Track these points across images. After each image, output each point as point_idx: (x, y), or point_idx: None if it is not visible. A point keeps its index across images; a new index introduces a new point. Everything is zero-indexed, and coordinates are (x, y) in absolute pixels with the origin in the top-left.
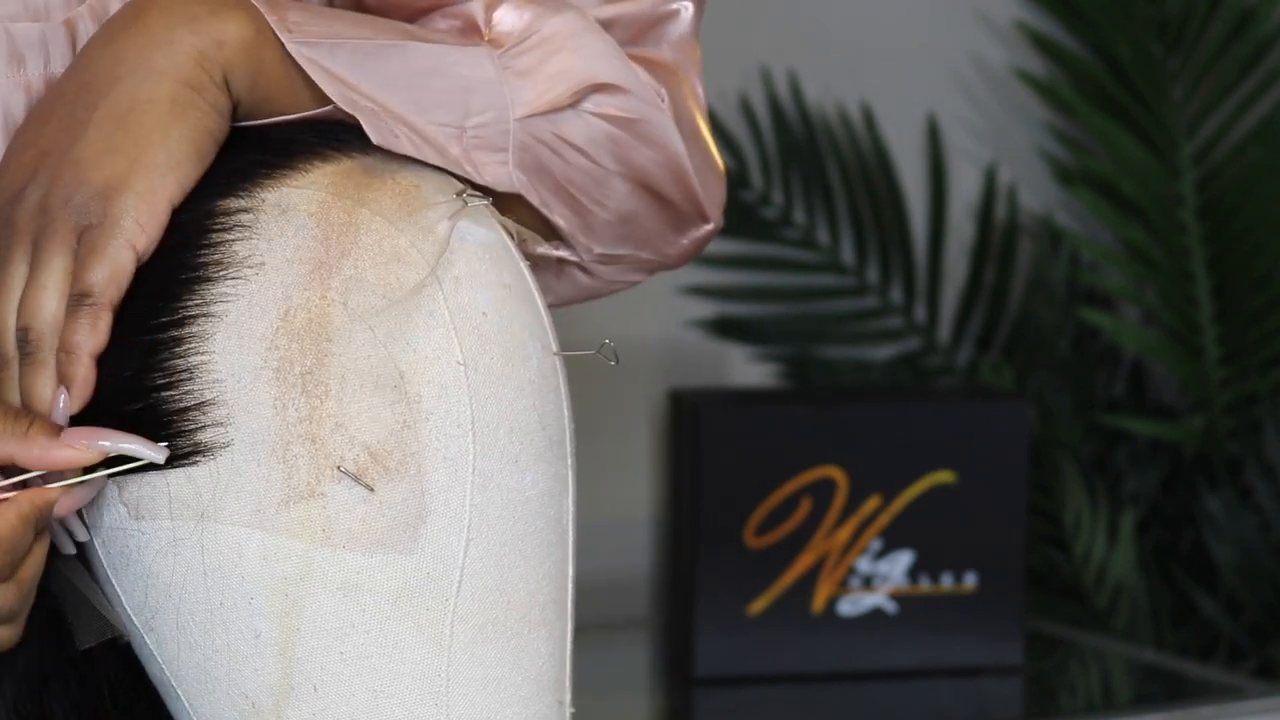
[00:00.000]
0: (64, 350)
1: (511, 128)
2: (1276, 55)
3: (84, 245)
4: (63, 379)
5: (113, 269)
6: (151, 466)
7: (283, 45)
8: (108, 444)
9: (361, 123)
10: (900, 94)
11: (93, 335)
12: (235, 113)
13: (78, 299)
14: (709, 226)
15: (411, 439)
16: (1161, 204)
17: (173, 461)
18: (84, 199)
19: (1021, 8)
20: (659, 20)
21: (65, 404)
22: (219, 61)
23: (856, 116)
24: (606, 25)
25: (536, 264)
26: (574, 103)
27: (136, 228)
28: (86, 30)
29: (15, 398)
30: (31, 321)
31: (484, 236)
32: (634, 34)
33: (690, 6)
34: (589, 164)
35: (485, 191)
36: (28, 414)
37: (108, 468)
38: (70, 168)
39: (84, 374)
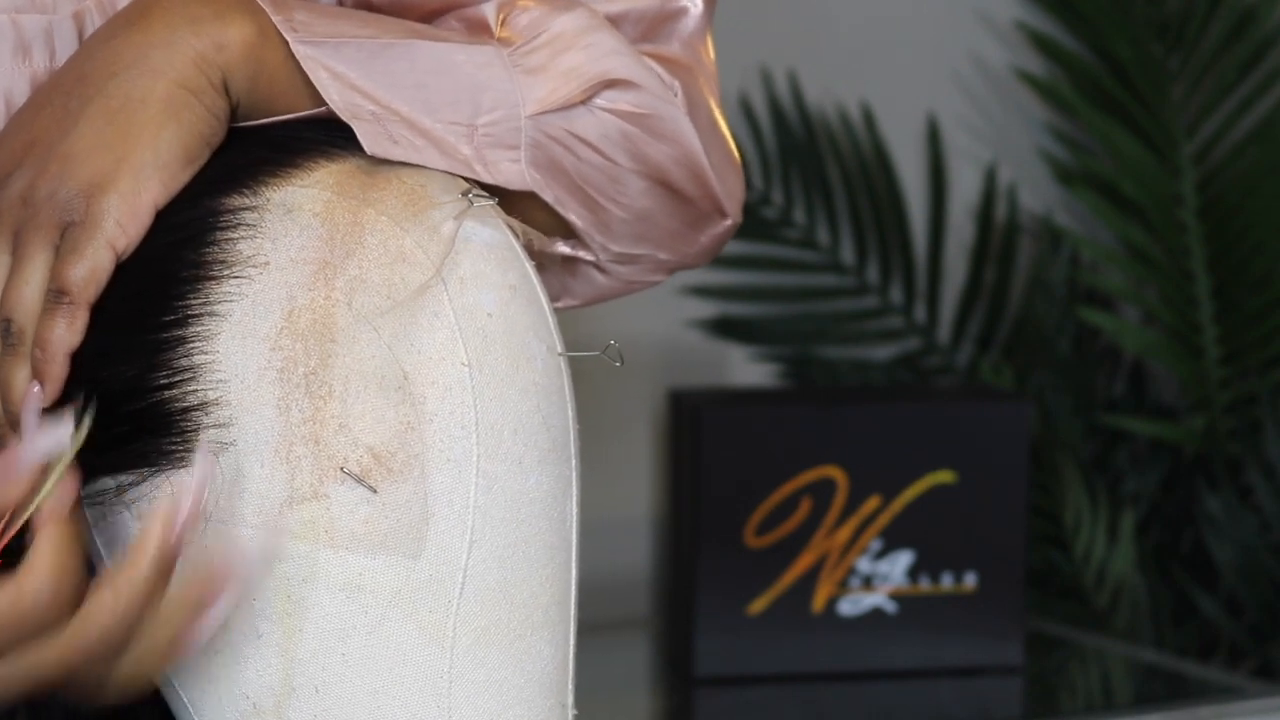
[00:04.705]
0: (39, 347)
1: (523, 125)
2: (1276, 55)
3: (66, 242)
4: (37, 375)
5: (92, 268)
6: (142, 464)
7: (285, 48)
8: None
9: (356, 131)
10: (900, 94)
11: (69, 333)
12: (235, 115)
13: (55, 296)
14: (728, 222)
15: (415, 440)
16: (1161, 204)
17: (176, 462)
18: (68, 195)
19: (1021, 8)
20: (669, 17)
21: (38, 396)
22: (219, 64)
23: (856, 116)
24: (615, 21)
25: (549, 264)
26: (586, 99)
27: (117, 228)
28: (94, 24)
29: None
30: (14, 314)
31: (490, 237)
32: (644, 30)
33: (700, 3)
34: (603, 161)
35: (494, 191)
36: None
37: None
38: (57, 161)
39: (58, 372)
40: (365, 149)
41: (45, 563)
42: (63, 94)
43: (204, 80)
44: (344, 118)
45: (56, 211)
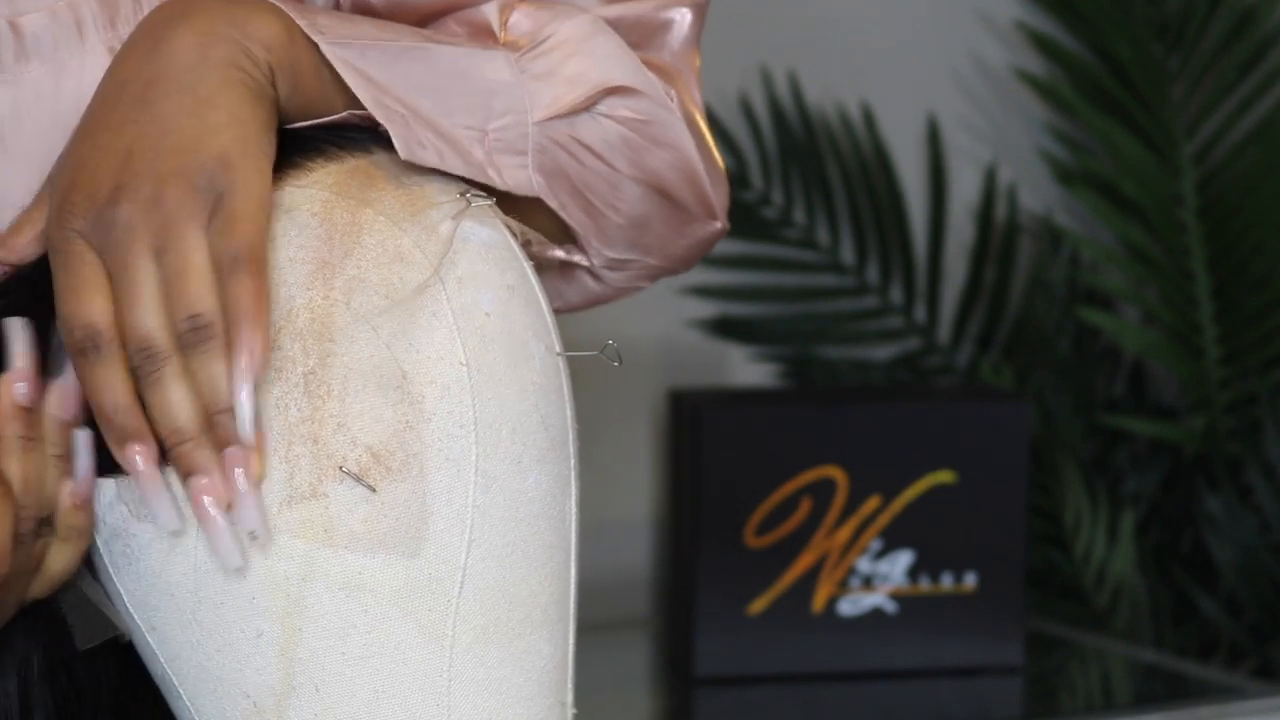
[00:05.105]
0: (239, 314)
1: (531, 131)
2: (1276, 55)
3: (221, 216)
4: (235, 347)
5: (258, 227)
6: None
7: (312, 51)
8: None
9: (391, 135)
10: (900, 94)
11: (259, 290)
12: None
13: (233, 264)
14: (718, 226)
15: (414, 440)
16: (1161, 204)
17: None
18: (206, 175)
19: (1021, 8)
20: (659, 28)
21: (248, 391)
22: (268, 62)
23: (856, 116)
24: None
25: (543, 269)
26: (590, 105)
27: (266, 188)
28: (92, 14)
29: (176, 391)
30: (198, 305)
31: (488, 237)
32: (635, 40)
33: (689, 15)
34: (603, 167)
35: (496, 194)
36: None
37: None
38: (173, 155)
39: (264, 337)
40: (400, 153)
41: None
42: (135, 102)
43: (260, 74)
44: (378, 118)
45: (200, 193)
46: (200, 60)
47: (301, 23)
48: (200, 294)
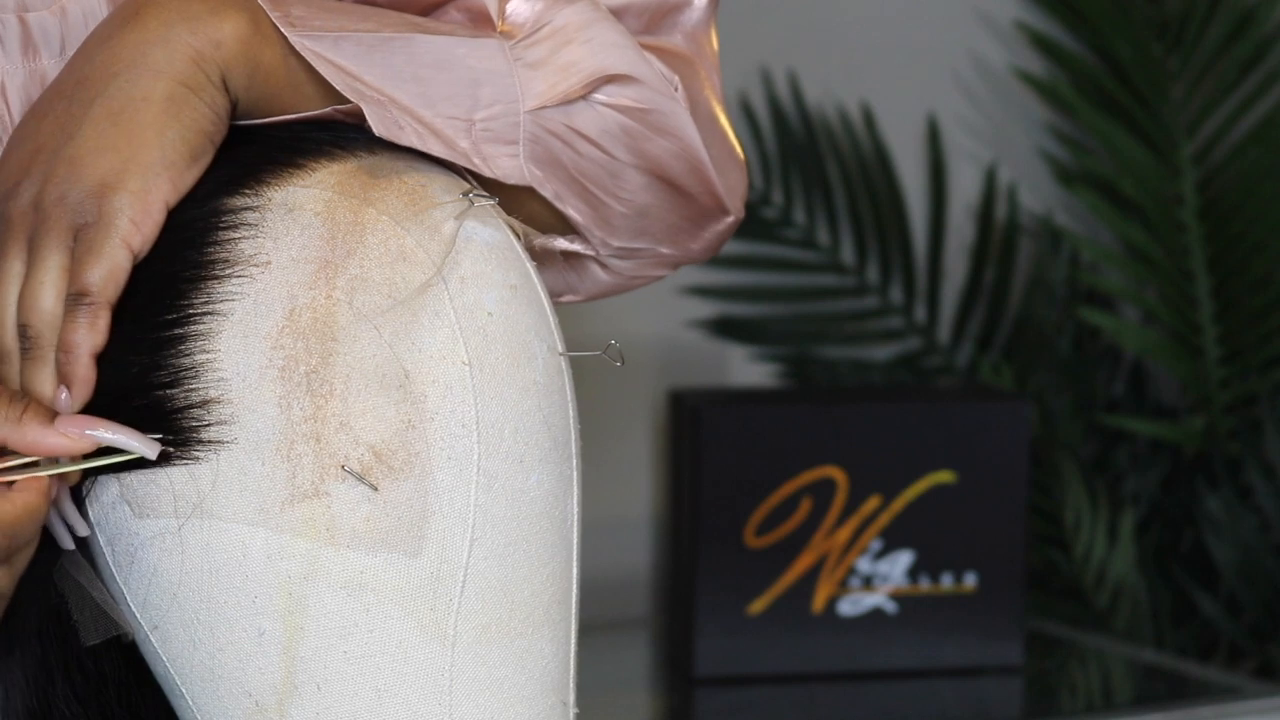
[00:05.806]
0: (63, 350)
1: (522, 119)
2: (1276, 55)
3: (81, 244)
4: (63, 379)
5: (110, 268)
6: (145, 461)
7: (283, 42)
8: (101, 434)
9: (365, 112)
10: (900, 94)
11: (91, 334)
12: (234, 112)
13: (76, 298)
14: (730, 219)
15: (416, 439)
16: (1161, 204)
17: (176, 459)
18: (79, 196)
19: (1021, 8)
20: (672, 9)
21: (66, 403)
22: (217, 61)
23: (856, 116)
24: (618, 13)
25: (550, 261)
26: (586, 94)
27: (131, 226)
28: (102, 14)
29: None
30: (30, 318)
31: (490, 236)
32: (647, 22)
33: None
34: (602, 155)
35: (494, 185)
36: (24, 398)
37: (101, 458)
38: (64, 164)
39: (83, 373)
40: (374, 130)
41: (16, 512)
42: (64, 99)
43: (203, 77)
44: (352, 98)
45: (68, 214)
46: (134, 63)
47: (275, 15)
48: (36, 307)
